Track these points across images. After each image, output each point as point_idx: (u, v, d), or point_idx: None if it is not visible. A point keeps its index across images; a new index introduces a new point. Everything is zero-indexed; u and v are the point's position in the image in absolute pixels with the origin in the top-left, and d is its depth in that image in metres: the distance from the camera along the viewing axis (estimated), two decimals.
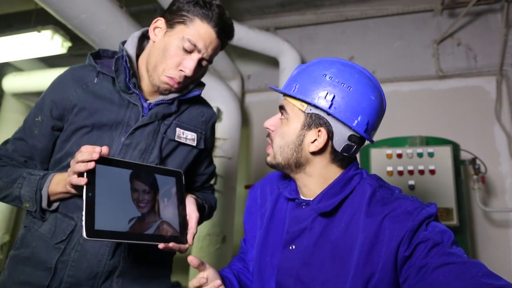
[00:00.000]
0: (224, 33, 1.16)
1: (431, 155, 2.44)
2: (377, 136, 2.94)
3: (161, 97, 1.20)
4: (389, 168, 2.48)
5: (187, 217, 1.08)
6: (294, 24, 3.94)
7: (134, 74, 1.18)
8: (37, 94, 3.93)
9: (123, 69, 1.15)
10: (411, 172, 2.44)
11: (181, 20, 1.12)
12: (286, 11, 3.97)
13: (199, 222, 1.25)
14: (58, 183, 1.05)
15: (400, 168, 2.46)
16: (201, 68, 1.19)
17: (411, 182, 2.42)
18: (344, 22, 3.84)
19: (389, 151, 2.52)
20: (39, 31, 2.95)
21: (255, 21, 4.02)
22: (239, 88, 3.90)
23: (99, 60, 1.20)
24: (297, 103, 0.95)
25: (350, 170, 0.97)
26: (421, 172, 2.42)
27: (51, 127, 1.15)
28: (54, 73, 3.66)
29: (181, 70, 1.13)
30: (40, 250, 1.08)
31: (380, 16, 3.71)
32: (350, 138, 0.92)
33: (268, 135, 1.02)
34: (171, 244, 0.98)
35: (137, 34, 1.23)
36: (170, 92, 1.20)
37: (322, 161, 0.96)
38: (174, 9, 1.14)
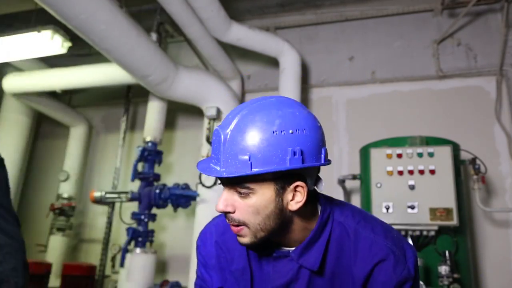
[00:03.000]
0: None
1: (431, 155, 2.44)
2: (377, 136, 2.96)
3: None
4: (389, 168, 2.48)
5: None
6: (294, 24, 3.94)
7: None
8: (37, 94, 3.93)
9: None
10: (411, 172, 2.43)
11: None
12: (286, 11, 3.97)
13: None
14: None
15: (400, 168, 2.46)
16: None
17: (411, 182, 2.42)
18: (344, 22, 3.84)
19: (389, 151, 2.52)
20: (39, 31, 2.95)
21: (255, 21, 4.02)
22: (239, 88, 3.90)
23: None
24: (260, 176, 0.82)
25: (324, 215, 0.92)
26: (421, 172, 2.42)
27: None
28: (54, 73, 3.66)
29: None
30: None
31: (380, 16, 3.71)
32: (317, 171, 0.90)
33: (229, 218, 0.86)
34: None
35: None
36: None
37: (303, 212, 0.89)
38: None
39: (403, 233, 2.38)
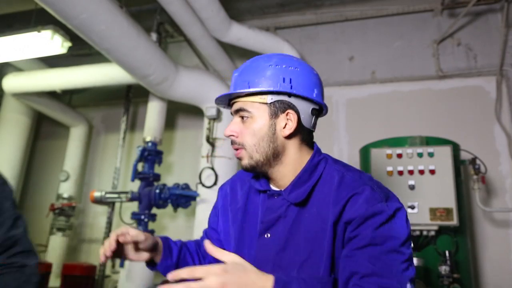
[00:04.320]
0: None
1: (431, 155, 2.44)
2: (377, 136, 2.95)
3: None
4: (389, 168, 2.48)
5: None
6: (294, 24, 3.94)
7: None
8: (37, 94, 3.93)
9: None
10: (411, 172, 2.43)
11: None
12: (286, 11, 3.97)
13: None
14: None
15: (400, 168, 2.46)
16: None
17: (411, 182, 2.42)
18: (344, 22, 3.84)
19: (389, 151, 2.52)
20: (39, 31, 2.94)
21: (255, 21, 4.02)
22: None
23: None
24: (256, 98, 0.99)
25: (315, 157, 1.03)
26: (421, 172, 2.42)
27: None
28: (54, 73, 3.65)
29: None
30: None
31: (380, 16, 3.70)
32: (312, 112, 1.02)
33: (233, 142, 1.03)
34: None
35: None
36: None
37: (295, 144, 1.02)
38: None
39: None
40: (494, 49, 3.32)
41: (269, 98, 0.98)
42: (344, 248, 0.92)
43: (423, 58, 3.53)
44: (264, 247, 1.01)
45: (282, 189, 1.03)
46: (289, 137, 1.00)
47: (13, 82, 3.75)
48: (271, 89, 0.97)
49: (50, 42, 2.99)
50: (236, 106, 1.02)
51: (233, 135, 1.02)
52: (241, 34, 3.35)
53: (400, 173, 2.46)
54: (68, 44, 3.10)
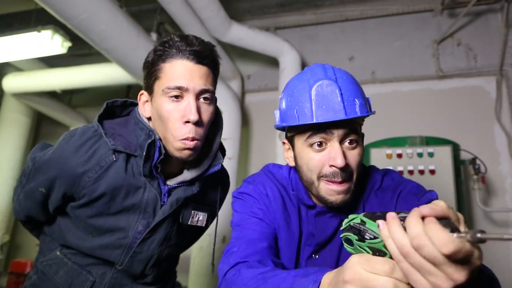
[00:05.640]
0: (201, 54, 0.98)
1: (431, 155, 2.44)
2: (377, 136, 2.94)
3: (180, 179, 1.07)
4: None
5: None
6: (294, 24, 3.94)
7: (163, 159, 1.00)
8: (37, 94, 3.93)
9: (153, 154, 0.99)
10: (411, 172, 2.44)
11: (153, 77, 1.00)
12: (286, 11, 3.97)
13: None
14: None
15: (400, 168, 2.46)
16: (209, 106, 1.03)
17: None
18: (344, 22, 3.84)
19: (389, 151, 2.52)
20: (39, 31, 2.95)
21: (255, 21, 4.02)
22: (239, 88, 3.90)
23: (110, 127, 1.05)
24: (360, 120, 0.91)
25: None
26: (421, 172, 2.42)
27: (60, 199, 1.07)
28: (54, 73, 3.66)
29: (187, 122, 0.95)
30: None
31: (380, 16, 3.71)
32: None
33: (340, 175, 0.85)
34: None
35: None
36: (192, 153, 0.99)
37: None
38: (146, 74, 1.05)
39: None
40: (494, 49, 3.32)
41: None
42: None
43: (423, 58, 3.53)
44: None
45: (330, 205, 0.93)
46: None
47: (13, 82, 3.76)
48: (371, 112, 0.91)
49: (50, 42, 2.99)
50: (345, 130, 0.85)
51: (346, 167, 0.85)
52: (241, 34, 3.35)
53: (400, 173, 2.46)
54: (68, 44, 3.10)
